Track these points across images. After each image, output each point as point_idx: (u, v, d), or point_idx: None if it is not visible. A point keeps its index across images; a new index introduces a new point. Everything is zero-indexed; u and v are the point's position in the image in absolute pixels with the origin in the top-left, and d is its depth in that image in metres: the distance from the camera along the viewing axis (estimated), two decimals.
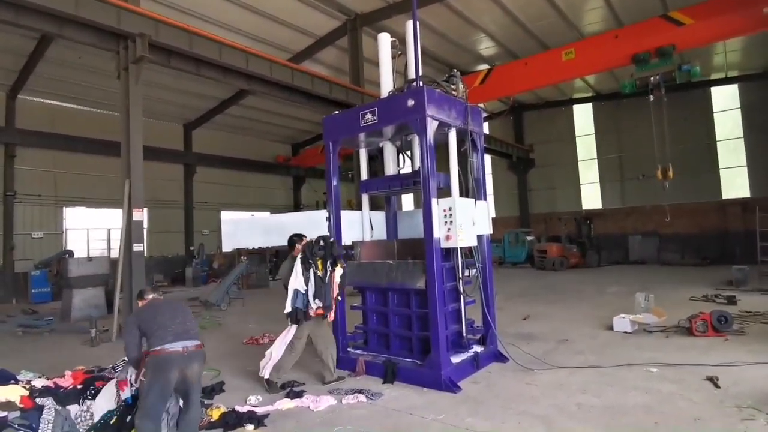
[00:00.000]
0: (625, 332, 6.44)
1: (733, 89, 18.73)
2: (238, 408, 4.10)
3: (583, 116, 22.23)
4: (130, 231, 8.06)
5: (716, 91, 19.03)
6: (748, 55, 16.77)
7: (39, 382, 4.21)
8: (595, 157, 21.89)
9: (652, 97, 11.64)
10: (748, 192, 18.25)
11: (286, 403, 4.24)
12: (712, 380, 4.33)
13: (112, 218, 17.65)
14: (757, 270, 11.16)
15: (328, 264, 4.71)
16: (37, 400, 3.72)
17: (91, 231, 17.79)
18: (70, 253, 13.50)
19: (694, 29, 10.75)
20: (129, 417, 3.51)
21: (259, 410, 4.08)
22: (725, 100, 18.86)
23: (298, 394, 4.44)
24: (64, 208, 16.95)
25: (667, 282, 12.09)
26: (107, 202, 17.29)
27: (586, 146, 22.23)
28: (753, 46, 15.73)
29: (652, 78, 11.57)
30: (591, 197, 21.99)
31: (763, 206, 12.64)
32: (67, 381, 4.29)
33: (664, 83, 11.50)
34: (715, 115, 19.03)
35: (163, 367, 3.17)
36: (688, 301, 8.76)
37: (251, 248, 16.04)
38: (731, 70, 18.30)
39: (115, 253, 15.65)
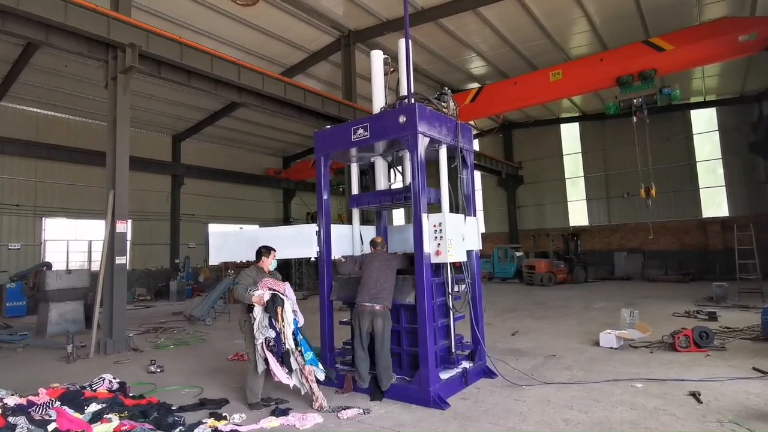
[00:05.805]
0: (611, 348, 6.49)
1: (711, 112, 19.43)
2: (221, 427, 3.98)
3: (570, 135, 22.75)
4: (113, 243, 7.90)
5: (696, 114, 19.72)
6: (724, 80, 17.44)
7: (11, 400, 4.04)
8: (582, 175, 22.36)
9: (635, 119, 12.01)
10: (727, 211, 18.80)
11: (271, 422, 4.13)
12: (695, 395, 4.38)
13: (94, 229, 17.26)
14: (736, 286, 11.41)
15: None
16: (9, 418, 3.57)
17: (71, 242, 17.31)
18: (49, 265, 13.05)
19: (674, 55, 11.20)
20: None
21: (243, 429, 3.97)
22: (704, 123, 19.55)
23: (284, 412, 4.34)
24: (43, 218, 16.49)
25: (651, 298, 12.26)
26: (89, 213, 16.94)
27: (573, 164, 22.70)
28: (729, 71, 16.37)
29: (635, 100, 11.97)
30: (578, 214, 22.37)
31: (741, 225, 13.00)
32: (41, 399, 4.12)
33: (646, 105, 11.90)
34: (695, 136, 19.68)
35: None
36: (671, 317, 8.90)
37: (239, 261, 15.81)
38: (709, 95, 19.01)
39: (96, 266, 15.29)
